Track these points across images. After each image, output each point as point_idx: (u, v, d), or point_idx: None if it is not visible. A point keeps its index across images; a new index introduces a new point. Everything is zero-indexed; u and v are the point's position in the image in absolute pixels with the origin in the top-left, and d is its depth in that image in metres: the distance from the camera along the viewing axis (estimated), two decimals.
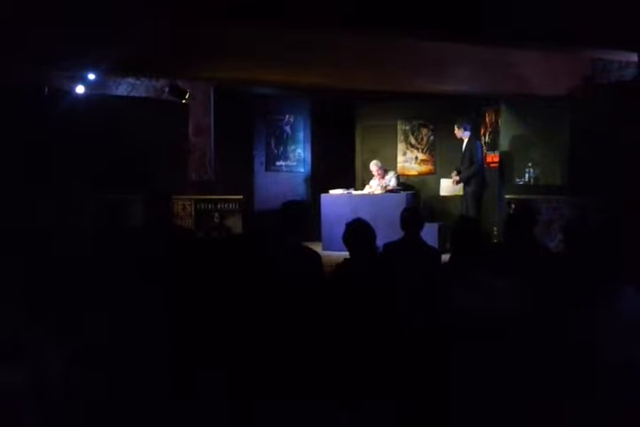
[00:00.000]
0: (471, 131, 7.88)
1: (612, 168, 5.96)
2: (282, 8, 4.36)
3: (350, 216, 3.37)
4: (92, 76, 6.48)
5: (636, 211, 5.33)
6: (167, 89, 7.35)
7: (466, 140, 7.80)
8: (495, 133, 8.21)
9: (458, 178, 7.76)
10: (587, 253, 3.12)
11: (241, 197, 7.50)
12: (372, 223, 3.28)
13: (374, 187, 8.05)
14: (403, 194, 7.68)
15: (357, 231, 3.17)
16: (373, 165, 8.17)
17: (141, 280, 3.17)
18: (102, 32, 4.79)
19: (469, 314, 2.43)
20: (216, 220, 7.29)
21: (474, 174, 7.61)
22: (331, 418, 2.53)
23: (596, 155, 6.29)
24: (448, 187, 7.94)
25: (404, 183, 8.25)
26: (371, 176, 8.37)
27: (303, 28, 4.85)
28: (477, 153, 7.60)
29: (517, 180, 7.60)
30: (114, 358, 2.50)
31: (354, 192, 8.02)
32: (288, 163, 9.22)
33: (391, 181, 7.97)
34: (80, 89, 6.59)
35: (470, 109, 8.32)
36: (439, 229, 7.27)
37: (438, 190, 8.76)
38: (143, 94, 7.53)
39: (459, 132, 7.83)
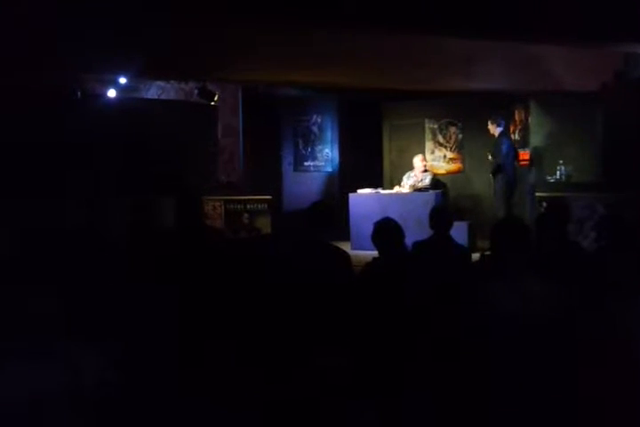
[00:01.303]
0: (504, 127, 7.79)
1: None
2: (310, 7, 4.38)
3: (379, 215, 3.37)
4: (123, 80, 6.61)
5: None
6: (196, 91, 7.45)
7: (497, 135, 7.72)
8: (525, 131, 8.11)
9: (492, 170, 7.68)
10: (622, 251, 3.07)
11: (270, 197, 7.55)
12: (400, 222, 3.27)
13: (411, 179, 7.96)
14: (432, 193, 7.62)
15: (386, 230, 3.16)
16: (421, 159, 8.07)
17: (174, 280, 3.22)
18: (132, 36, 4.87)
19: (504, 314, 2.41)
20: (245, 220, 7.35)
21: (494, 170, 7.52)
22: (359, 418, 2.54)
23: (630, 150, 6.17)
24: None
25: (438, 181, 8.16)
26: (400, 175, 8.31)
27: (329, 27, 4.86)
28: (502, 149, 7.50)
29: (548, 177, 7.48)
30: (151, 360, 2.54)
31: (382, 191, 7.99)
32: (316, 163, 9.24)
33: (426, 178, 7.92)
34: (112, 92, 6.73)
35: (499, 107, 8.23)
36: (468, 228, 7.21)
37: (467, 189, 8.68)
38: (173, 97, 7.65)
39: (492, 128, 7.74)
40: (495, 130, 7.71)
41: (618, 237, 3.15)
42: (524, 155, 8.04)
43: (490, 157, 7.64)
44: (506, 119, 8.14)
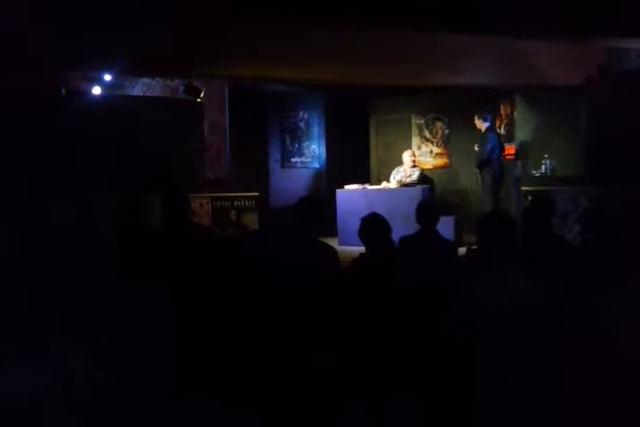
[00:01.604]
0: (491, 122, 7.84)
1: (630, 158, 5.90)
2: (295, 4, 4.38)
3: (366, 211, 3.38)
4: (107, 77, 6.57)
5: None
6: (182, 88, 7.42)
7: (483, 130, 7.77)
8: (511, 125, 8.16)
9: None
10: (605, 244, 3.11)
11: (257, 194, 7.55)
12: (388, 218, 3.29)
13: (400, 174, 8.00)
14: (418, 188, 7.66)
15: (372, 225, 3.18)
16: (410, 155, 8.10)
17: (162, 278, 3.22)
18: (116, 33, 4.84)
19: (489, 308, 2.43)
20: (233, 217, 7.34)
21: (480, 165, 7.57)
22: (350, 415, 2.55)
23: (614, 144, 6.24)
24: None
25: (425, 177, 8.21)
26: (387, 170, 8.33)
27: (314, 24, 4.86)
28: (488, 144, 7.55)
29: (534, 171, 7.55)
30: (137, 357, 2.55)
31: (369, 187, 8.02)
32: (303, 159, 9.24)
33: (414, 174, 7.95)
34: (97, 90, 6.68)
35: (485, 102, 8.27)
36: (455, 223, 7.26)
37: (454, 184, 8.73)
38: (159, 94, 7.61)
39: (479, 123, 7.79)
40: (482, 125, 7.75)
41: (601, 231, 3.19)
42: (510, 149, 8.10)
43: (476, 148, 7.69)
44: (492, 114, 8.19)
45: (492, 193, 7.53)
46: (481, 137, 7.71)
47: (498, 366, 2.33)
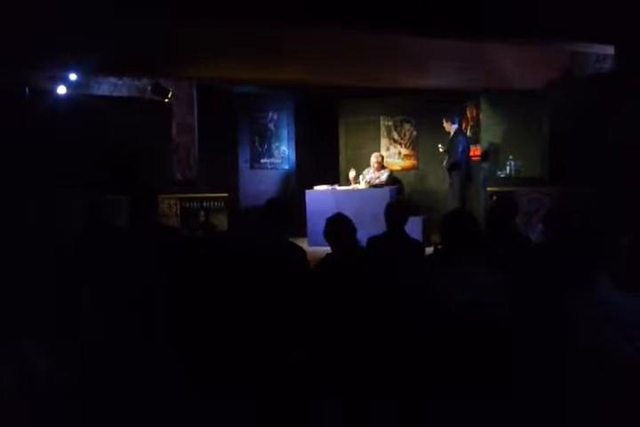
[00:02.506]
0: (459, 124, 7.97)
1: (590, 160, 6.05)
2: (257, 5, 4.39)
3: (335, 211, 3.40)
4: (73, 77, 6.46)
5: (614, 201, 5.43)
6: (150, 88, 7.35)
7: (452, 134, 7.90)
8: (477, 127, 8.30)
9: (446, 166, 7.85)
10: (565, 243, 3.20)
11: (226, 195, 7.52)
12: (356, 218, 3.32)
13: (368, 175, 8.08)
14: (386, 189, 7.74)
15: (337, 226, 3.20)
16: (376, 157, 8.18)
17: (129, 280, 3.19)
18: (82, 31, 4.78)
19: (456, 306, 2.48)
20: (202, 218, 7.30)
21: (450, 166, 7.69)
22: (320, 414, 2.57)
23: (575, 147, 6.39)
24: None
25: (395, 178, 8.30)
26: (356, 171, 8.39)
27: (279, 24, 4.87)
28: (458, 147, 7.68)
29: (499, 172, 7.70)
30: (106, 356, 2.52)
31: (338, 188, 8.07)
32: (272, 160, 9.24)
33: (383, 175, 8.04)
34: (61, 89, 6.57)
35: (452, 104, 8.40)
36: (423, 223, 7.35)
37: (422, 185, 8.84)
38: (126, 94, 7.52)
39: (447, 126, 7.92)
40: (450, 127, 7.88)
41: (562, 230, 3.28)
42: (476, 151, 8.25)
43: (440, 149, 7.81)
44: (459, 116, 8.32)
45: (460, 195, 7.65)
46: (450, 139, 7.83)
47: (464, 361, 2.38)
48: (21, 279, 2.83)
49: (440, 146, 7.83)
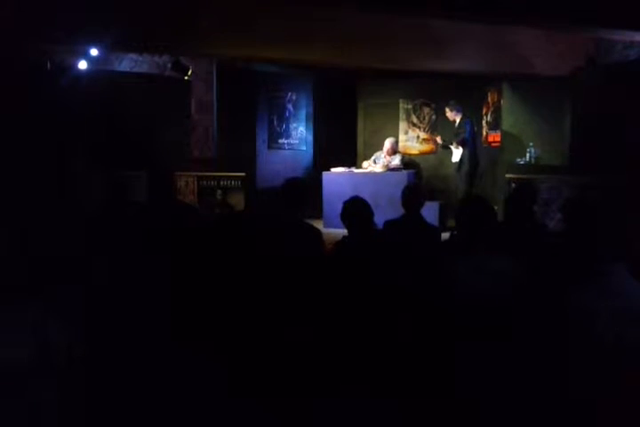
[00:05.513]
0: (462, 112, 7.90)
1: (613, 148, 5.98)
2: None
3: (351, 194, 3.40)
4: (94, 52, 6.47)
5: (636, 191, 5.37)
6: (170, 65, 7.34)
7: (458, 120, 7.85)
8: (497, 113, 8.21)
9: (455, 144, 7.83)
10: (583, 232, 3.18)
11: (243, 174, 7.54)
12: (373, 201, 3.32)
13: (379, 163, 8.05)
14: (404, 172, 7.70)
15: (354, 209, 3.20)
16: (391, 143, 8.14)
17: (145, 255, 3.23)
18: (104, 5, 4.77)
19: (469, 292, 2.48)
20: (219, 197, 7.34)
21: (460, 142, 7.66)
22: (327, 402, 2.60)
23: (598, 135, 6.31)
24: (457, 153, 7.94)
25: (408, 162, 8.27)
26: (373, 154, 8.35)
27: (305, 4, 4.83)
28: (466, 132, 7.68)
29: (518, 159, 7.62)
30: (118, 334, 2.56)
31: (355, 170, 8.04)
32: (290, 141, 9.22)
33: (395, 159, 8.00)
34: (83, 64, 6.58)
35: (472, 89, 8.30)
36: (440, 208, 7.32)
37: (440, 170, 8.78)
38: (146, 70, 7.52)
39: (450, 115, 7.90)
40: (455, 116, 7.85)
41: (580, 219, 3.26)
42: (496, 136, 8.17)
43: (439, 141, 7.94)
44: (479, 101, 8.23)
45: (468, 181, 7.63)
46: (458, 128, 7.79)
47: (479, 351, 2.38)
48: (41, 251, 2.87)
49: (439, 139, 7.86)
